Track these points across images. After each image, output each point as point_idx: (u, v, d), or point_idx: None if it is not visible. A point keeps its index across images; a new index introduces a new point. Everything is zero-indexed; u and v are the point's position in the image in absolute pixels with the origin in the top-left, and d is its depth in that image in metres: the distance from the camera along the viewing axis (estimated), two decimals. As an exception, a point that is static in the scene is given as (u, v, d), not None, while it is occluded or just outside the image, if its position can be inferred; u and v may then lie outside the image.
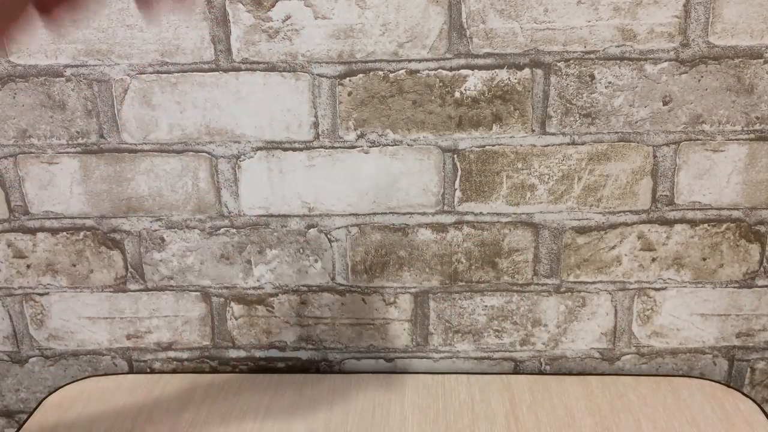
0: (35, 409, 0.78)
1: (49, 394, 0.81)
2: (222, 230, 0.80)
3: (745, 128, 0.73)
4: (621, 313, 0.81)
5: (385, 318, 0.83)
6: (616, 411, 0.74)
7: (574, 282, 0.80)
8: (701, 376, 0.82)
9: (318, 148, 0.76)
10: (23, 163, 0.78)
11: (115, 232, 0.80)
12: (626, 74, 0.72)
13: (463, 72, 0.72)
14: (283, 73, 0.73)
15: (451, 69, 0.72)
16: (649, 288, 0.80)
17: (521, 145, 0.75)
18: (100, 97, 0.75)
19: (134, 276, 0.82)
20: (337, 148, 0.76)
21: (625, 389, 0.78)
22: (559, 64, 0.72)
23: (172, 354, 0.86)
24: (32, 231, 0.81)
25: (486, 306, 0.82)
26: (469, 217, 0.78)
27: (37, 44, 0.73)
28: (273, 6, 0.71)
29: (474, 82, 0.72)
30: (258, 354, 0.86)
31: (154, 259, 0.82)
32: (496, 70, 0.72)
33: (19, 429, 0.75)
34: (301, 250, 0.80)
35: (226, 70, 0.73)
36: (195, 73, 0.74)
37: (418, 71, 0.72)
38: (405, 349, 0.85)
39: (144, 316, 0.84)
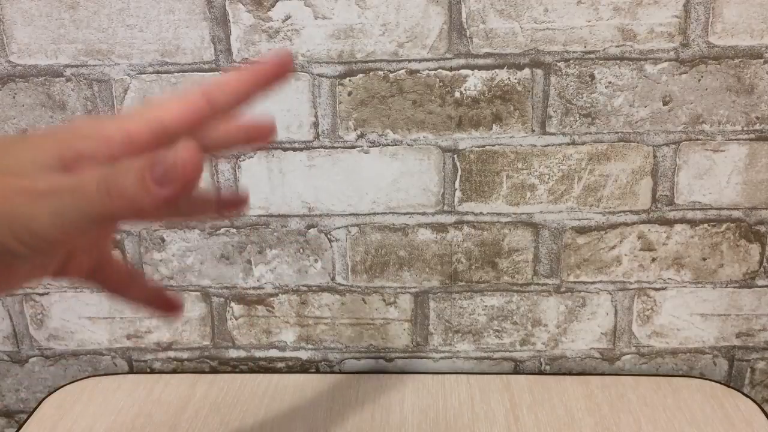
0: (35, 409, 0.78)
1: (49, 394, 0.81)
2: (222, 230, 0.80)
3: (745, 128, 0.73)
4: (621, 313, 0.81)
5: (385, 318, 0.83)
6: (616, 411, 0.74)
7: (574, 282, 0.80)
8: (701, 376, 0.82)
9: (318, 148, 0.76)
10: (23, 163, 0.78)
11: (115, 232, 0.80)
12: (626, 74, 0.72)
13: (463, 72, 0.72)
14: (283, 73, 0.73)
15: (451, 69, 0.72)
16: (649, 288, 0.80)
17: (521, 145, 0.75)
18: (100, 97, 0.75)
19: (134, 276, 0.82)
20: (337, 148, 0.76)
21: (625, 389, 0.78)
22: (559, 64, 0.72)
23: (172, 354, 0.86)
24: (32, 231, 0.81)
25: (486, 306, 0.82)
26: (469, 217, 0.78)
27: (37, 44, 0.73)
28: (273, 6, 0.71)
29: (474, 82, 0.72)
30: (258, 354, 0.86)
31: (154, 259, 0.82)
32: (496, 70, 0.72)
33: (19, 429, 0.75)
34: (301, 250, 0.80)
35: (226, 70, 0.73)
36: (195, 73, 0.74)
37: (418, 71, 0.72)
38: (405, 349, 0.85)
39: (144, 316, 0.84)
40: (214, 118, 0.35)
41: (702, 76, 0.71)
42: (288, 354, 0.86)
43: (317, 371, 0.86)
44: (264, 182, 0.77)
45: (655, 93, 0.72)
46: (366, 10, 0.70)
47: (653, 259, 0.79)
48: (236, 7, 0.71)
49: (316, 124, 0.75)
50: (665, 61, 0.71)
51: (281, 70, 0.37)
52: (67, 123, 0.35)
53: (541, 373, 0.84)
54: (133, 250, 0.81)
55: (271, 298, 0.83)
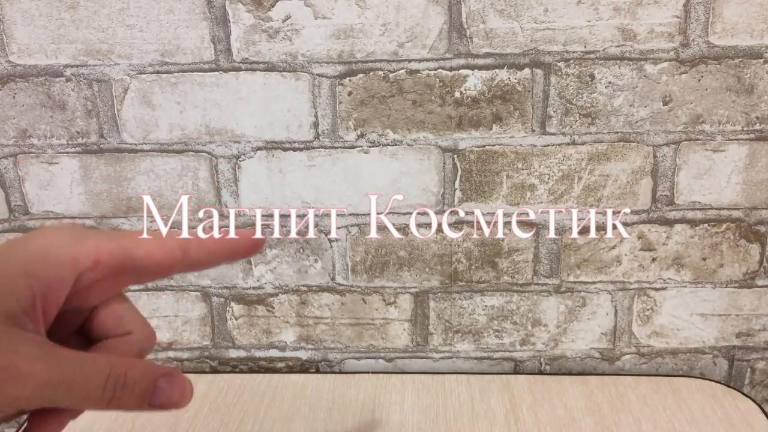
0: (35, 409, 0.78)
1: (49, 394, 0.81)
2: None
3: (745, 128, 0.73)
4: (621, 313, 0.81)
5: (385, 318, 0.83)
6: (616, 411, 0.74)
7: (574, 282, 0.80)
8: (701, 376, 0.82)
9: (318, 148, 0.76)
10: (23, 163, 0.78)
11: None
12: (626, 74, 0.72)
13: (463, 72, 0.72)
14: (283, 73, 0.73)
15: (451, 69, 0.72)
16: (649, 288, 0.80)
17: (521, 145, 0.75)
18: (100, 97, 0.75)
19: (134, 276, 0.82)
20: (337, 148, 0.76)
21: (625, 389, 0.78)
22: (559, 64, 0.72)
23: (172, 354, 0.86)
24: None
25: (486, 306, 0.82)
26: (470, 217, 0.78)
27: (37, 44, 0.73)
28: (273, 6, 0.71)
29: (474, 82, 0.72)
30: (258, 354, 0.86)
31: (154, 259, 0.81)
32: (496, 70, 0.72)
33: (19, 429, 0.75)
34: (301, 250, 0.80)
35: (226, 70, 0.73)
36: (195, 73, 0.74)
37: (418, 71, 0.72)
38: (405, 349, 0.85)
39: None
40: (182, 270, 0.37)
41: (702, 76, 0.71)
42: (288, 354, 0.86)
43: (317, 371, 0.86)
44: (264, 182, 0.77)
45: (655, 93, 0.72)
46: (366, 10, 0.70)
47: (653, 259, 0.79)
48: (236, 7, 0.71)
49: (316, 124, 0.75)
50: (665, 61, 0.71)
51: (251, 250, 0.40)
52: (35, 238, 0.34)
53: (541, 373, 0.84)
54: (133, 250, 0.81)
55: (271, 298, 0.83)
